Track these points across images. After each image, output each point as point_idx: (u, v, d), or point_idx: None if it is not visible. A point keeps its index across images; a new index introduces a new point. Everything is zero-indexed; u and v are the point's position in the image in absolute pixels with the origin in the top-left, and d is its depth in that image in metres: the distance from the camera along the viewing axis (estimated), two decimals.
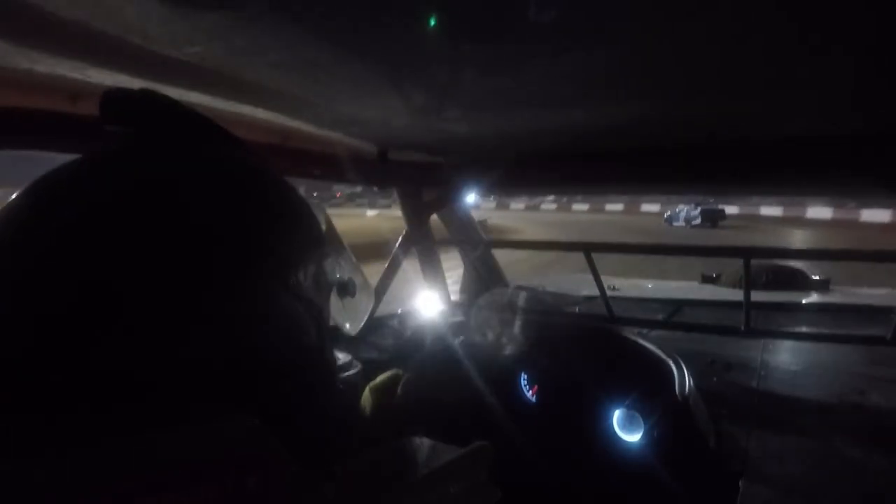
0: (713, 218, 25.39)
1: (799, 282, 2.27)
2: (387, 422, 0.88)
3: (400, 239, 1.50)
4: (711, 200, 26.23)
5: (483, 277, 1.71)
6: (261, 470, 0.30)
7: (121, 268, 0.33)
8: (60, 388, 0.32)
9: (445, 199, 1.52)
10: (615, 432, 0.87)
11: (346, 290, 0.46)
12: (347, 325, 0.47)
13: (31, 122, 0.69)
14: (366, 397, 0.90)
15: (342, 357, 0.49)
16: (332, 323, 0.44)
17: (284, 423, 0.34)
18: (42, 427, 0.31)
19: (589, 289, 1.67)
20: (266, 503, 0.30)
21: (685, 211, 26.70)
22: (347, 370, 0.48)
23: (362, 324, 0.50)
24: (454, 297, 1.71)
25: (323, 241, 0.43)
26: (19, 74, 0.64)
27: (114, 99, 0.43)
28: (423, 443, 0.45)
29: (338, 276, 0.45)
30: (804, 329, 1.39)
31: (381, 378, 0.94)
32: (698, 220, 25.38)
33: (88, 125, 0.71)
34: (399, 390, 0.89)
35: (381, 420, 0.89)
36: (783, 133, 0.93)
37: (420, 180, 1.39)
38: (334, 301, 0.45)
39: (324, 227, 0.45)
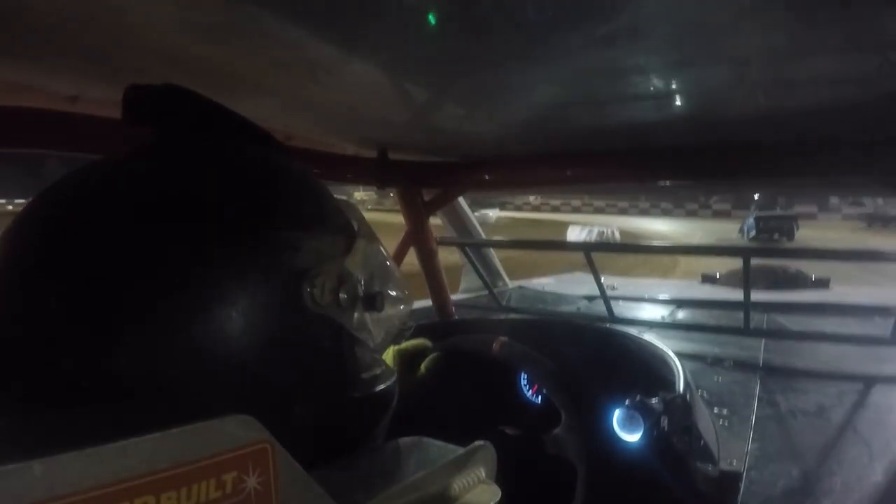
0: (779, 229, 16.87)
1: (799, 282, 2.27)
2: (407, 388, 0.86)
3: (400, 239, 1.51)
4: (777, 206, 17.79)
5: (483, 277, 1.71)
6: (261, 470, 0.30)
7: (128, 269, 0.33)
8: (61, 387, 0.32)
9: (445, 199, 1.52)
10: (615, 432, 0.87)
11: (373, 303, 0.42)
12: (373, 339, 0.43)
13: (31, 122, 0.69)
14: (387, 357, 0.88)
15: (378, 367, 0.46)
16: (358, 334, 0.42)
17: (287, 425, 0.33)
18: (41, 427, 0.31)
19: (589, 289, 1.67)
20: (266, 503, 0.30)
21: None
22: (385, 381, 0.46)
23: (390, 338, 0.46)
24: (454, 296, 1.71)
25: (349, 248, 0.42)
26: (19, 74, 0.64)
27: (138, 96, 0.42)
28: (423, 443, 0.45)
29: (365, 285, 0.42)
30: (804, 329, 1.39)
31: (408, 344, 0.91)
32: (753, 232, 17.50)
33: (88, 125, 0.71)
34: (425, 365, 0.88)
35: (402, 385, 0.87)
36: (786, 133, 0.93)
37: (420, 180, 1.39)
38: (363, 312, 0.42)
39: (357, 226, 0.44)
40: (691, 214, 26.60)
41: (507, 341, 0.95)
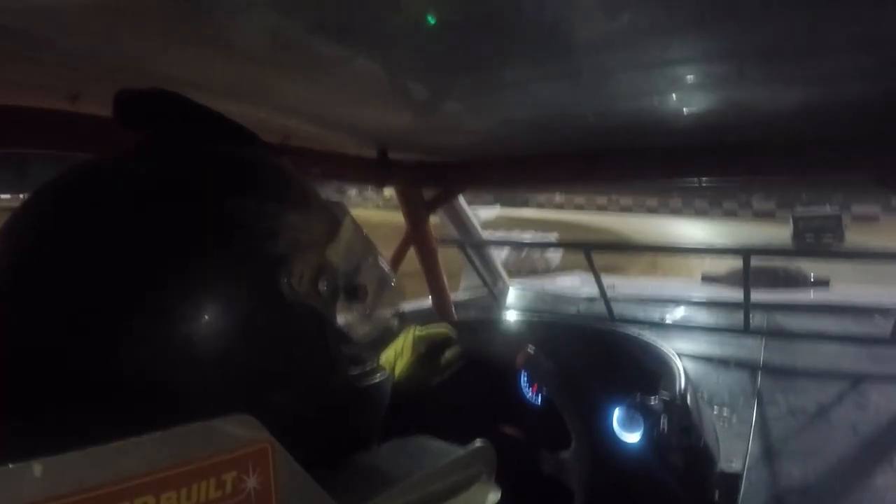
0: (824, 229, 13.44)
1: (799, 281, 2.28)
2: (422, 377, 0.85)
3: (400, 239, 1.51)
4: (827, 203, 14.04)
5: (483, 277, 1.71)
6: (261, 470, 0.30)
7: (117, 267, 0.33)
8: (62, 388, 0.32)
9: (445, 199, 1.52)
10: (615, 432, 0.87)
11: (355, 294, 0.42)
12: (357, 332, 0.43)
13: (31, 122, 0.69)
14: (408, 340, 0.86)
15: (368, 363, 0.46)
16: (340, 326, 0.41)
17: (284, 424, 0.33)
18: (41, 427, 0.31)
19: (589, 289, 1.67)
20: (266, 503, 0.30)
21: None
22: (374, 377, 0.46)
23: (378, 333, 0.46)
24: (454, 296, 1.71)
25: (331, 239, 0.42)
26: (19, 74, 0.64)
27: (128, 100, 0.43)
28: (423, 442, 0.45)
29: (348, 277, 0.42)
30: (804, 328, 1.39)
31: (431, 329, 0.88)
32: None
33: (88, 125, 0.71)
34: (447, 358, 0.86)
35: (421, 367, 0.86)
36: (784, 132, 0.93)
37: (420, 180, 1.39)
38: (349, 304, 0.42)
39: (343, 223, 0.44)
40: (730, 215, 22.01)
41: (532, 355, 0.92)
